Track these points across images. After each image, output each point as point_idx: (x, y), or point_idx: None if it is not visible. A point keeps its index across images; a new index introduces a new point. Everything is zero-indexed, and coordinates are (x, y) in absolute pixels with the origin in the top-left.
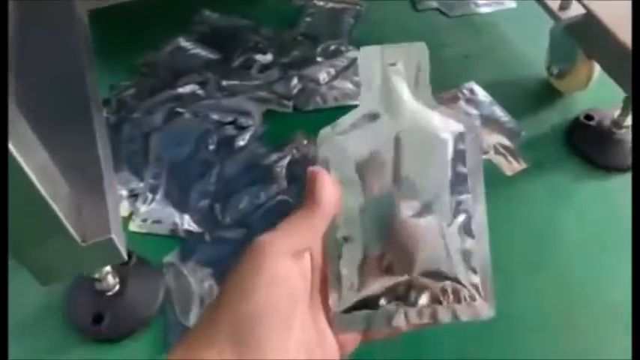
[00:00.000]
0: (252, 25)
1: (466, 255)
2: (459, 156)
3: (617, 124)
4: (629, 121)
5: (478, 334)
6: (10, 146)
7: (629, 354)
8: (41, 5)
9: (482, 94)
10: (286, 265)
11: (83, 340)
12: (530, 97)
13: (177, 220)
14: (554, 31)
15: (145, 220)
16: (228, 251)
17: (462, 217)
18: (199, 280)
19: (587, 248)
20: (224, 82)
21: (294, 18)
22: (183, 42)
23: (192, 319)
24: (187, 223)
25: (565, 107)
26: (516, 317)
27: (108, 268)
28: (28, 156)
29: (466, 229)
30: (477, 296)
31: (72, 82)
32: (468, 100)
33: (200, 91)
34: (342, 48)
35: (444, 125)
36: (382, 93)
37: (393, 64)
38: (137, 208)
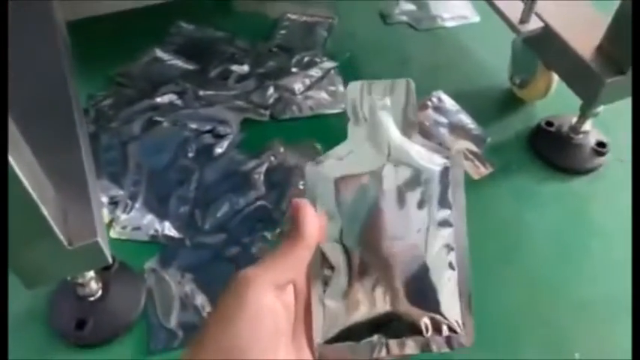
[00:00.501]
0: (228, 36)
1: (448, 286)
2: (444, 189)
3: (574, 129)
4: (586, 126)
5: None
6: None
7: (592, 346)
8: (21, 14)
9: (449, 103)
10: (270, 298)
11: (66, 346)
12: (494, 106)
13: (158, 226)
14: (516, 43)
15: (124, 227)
16: (208, 256)
17: (444, 250)
18: (180, 285)
19: (551, 245)
20: (201, 92)
21: (269, 30)
22: (159, 53)
23: (174, 322)
24: (167, 229)
25: (527, 115)
26: (485, 311)
27: (91, 274)
28: (19, 159)
29: (449, 261)
30: (458, 329)
31: (54, 88)
32: (436, 108)
33: (178, 101)
34: (316, 59)
35: (430, 159)
36: (369, 127)
37: (380, 99)
38: (117, 216)
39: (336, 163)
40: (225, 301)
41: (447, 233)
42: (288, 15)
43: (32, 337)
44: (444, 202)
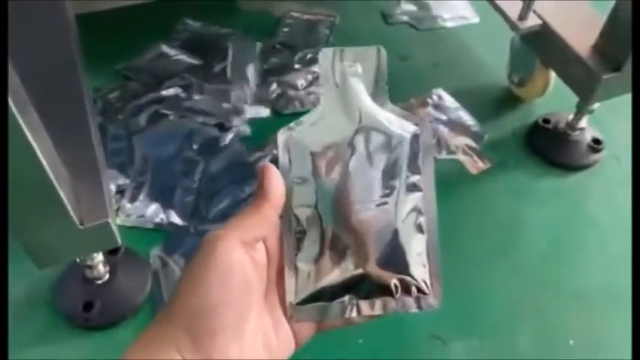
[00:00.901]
0: (233, 33)
1: (417, 249)
2: (414, 155)
3: (571, 126)
4: (582, 123)
5: (448, 314)
6: (25, 129)
7: (586, 334)
8: (33, 7)
9: (449, 100)
10: (239, 253)
11: (72, 328)
12: (493, 103)
13: (162, 215)
14: (514, 42)
15: (129, 215)
16: None
17: (413, 214)
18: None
19: (547, 238)
20: (206, 86)
21: (272, 28)
22: (165, 48)
23: None
24: (172, 217)
25: (525, 112)
26: (483, 300)
27: (100, 257)
28: (38, 140)
29: (417, 225)
30: (426, 289)
31: (66, 77)
32: (436, 106)
33: (183, 94)
34: (319, 56)
35: (400, 125)
36: (341, 93)
37: (352, 66)
38: (123, 205)
39: (308, 129)
40: (194, 261)
41: (416, 197)
42: (292, 13)
43: (37, 321)
44: (413, 168)
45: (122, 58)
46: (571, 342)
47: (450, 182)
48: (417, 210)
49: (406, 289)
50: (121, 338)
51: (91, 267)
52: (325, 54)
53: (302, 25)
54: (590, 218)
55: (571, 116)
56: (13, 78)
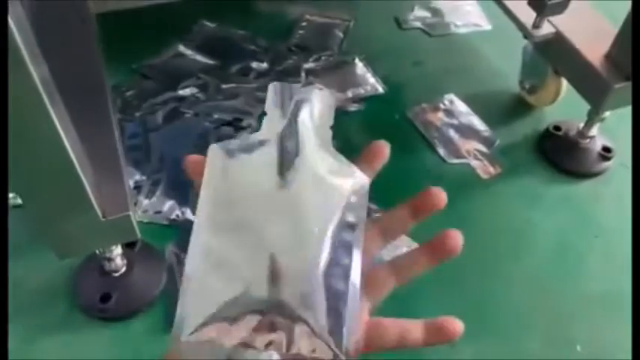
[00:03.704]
0: (248, 35)
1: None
2: (350, 207)
3: (582, 134)
4: (593, 131)
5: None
6: (55, 120)
7: (593, 340)
8: (56, 5)
9: (461, 106)
10: None
11: (89, 320)
12: (504, 110)
13: (178, 211)
14: (527, 50)
15: (146, 211)
16: None
17: (338, 265)
18: None
19: (556, 244)
20: (223, 85)
21: (288, 30)
22: (182, 48)
23: None
24: (188, 214)
25: (536, 119)
26: (493, 304)
27: (119, 250)
28: (66, 132)
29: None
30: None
31: (88, 74)
32: (448, 111)
33: (200, 94)
34: (332, 59)
35: (340, 175)
36: (284, 128)
37: (299, 105)
38: (140, 201)
39: (239, 153)
40: None
41: (343, 254)
42: (307, 16)
43: (56, 311)
44: (346, 221)
45: (140, 57)
46: (578, 347)
47: (461, 187)
48: (342, 266)
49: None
50: (137, 330)
51: (109, 259)
52: (276, 86)
53: (317, 28)
54: (599, 225)
55: (582, 124)
56: (44, 70)
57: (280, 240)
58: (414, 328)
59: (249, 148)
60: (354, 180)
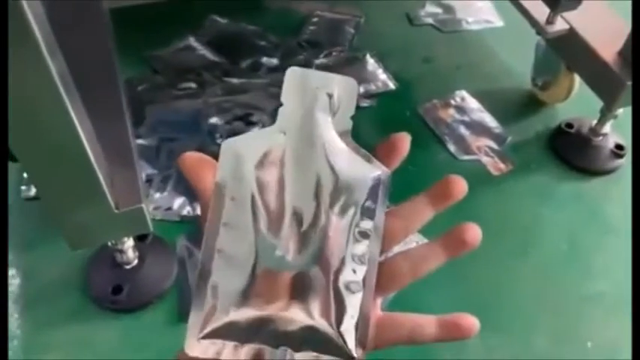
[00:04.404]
0: (259, 31)
1: (342, 308)
2: (371, 199)
3: (594, 131)
4: (605, 129)
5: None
6: (71, 113)
7: (604, 337)
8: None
9: (472, 102)
10: None
11: (101, 311)
12: (516, 107)
13: (189, 207)
14: (539, 46)
15: (157, 208)
16: None
17: (353, 262)
18: None
19: (567, 241)
20: (235, 80)
21: (298, 26)
22: (193, 41)
23: None
24: (198, 210)
25: (548, 116)
26: (502, 300)
27: (130, 242)
28: (82, 125)
29: (351, 285)
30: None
31: (102, 68)
32: (459, 107)
33: (209, 89)
34: (343, 55)
35: (361, 166)
36: (303, 120)
37: (324, 93)
38: (151, 194)
39: (257, 151)
40: None
41: (362, 247)
42: (318, 12)
43: (68, 302)
44: (367, 213)
45: (152, 50)
46: (589, 344)
47: (472, 183)
48: (360, 260)
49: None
50: (148, 321)
51: (121, 251)
52: (293, 72)
53: (327, 24)
54: (610, 223)
55: (594, 121)
56: (61, 64)
57: (291, 244)
58: (426, 323)
59: (264, 143)
60: (373, 172)
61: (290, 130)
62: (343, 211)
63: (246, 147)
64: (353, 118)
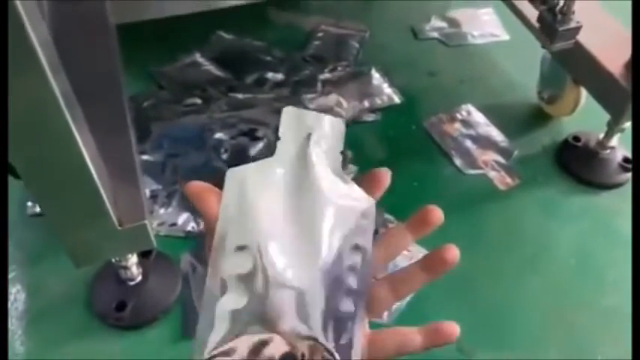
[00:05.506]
0: (265, 46)
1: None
2: (359, 230)
3: (601, 145)
4: (612, 142)
5: (475, 328)
6: (74, 131)
7: (614, 351)
8: (78, 15)
9: (478, 116)
10: None
11: (105, 328)
12: (522, 120)
13: (193, 223)
14: (545, 59)
15: (162, 224)
16: None
17: (345, 287)
18: None
19: (576, 255)
20: (240, 95)
21: (303, 41)
22: (199, 57)
23: None
24: (203, 226)
25: (554, 130)
26: (510, 315)
27: (134, 258)
28: (84, 142)
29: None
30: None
31: (107, 83)
32: (465, 121)
33: (216, 103)
34: (349, 70)
35: (349, 197)
36: (297, 152)
37: (311, 131)
38: (156, 210)
39: (259, 182)
40: None
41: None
42: (322, 27)
43: (71, 318)
44: (357, 242)
45: (158, 66)
46: (599, 358)
47: (479, 198)
48: (350, 289)
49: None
50: (151, 338)
51: (125, 268)
52: (288, 112)
53: (333, 38)
54: (619, 236)
55: (602, 135)
56: (64, 81)
57: (292, 263)
58: (412, 334)
59: (264, 173)
60: (361, 204)
61: (286, 163)
62: (337, 241)
63: (249, 176)
64: (342, 153)
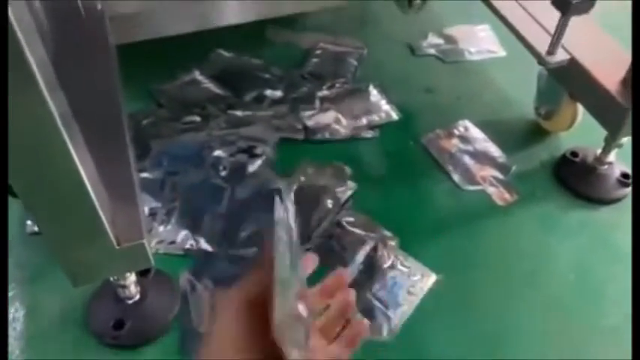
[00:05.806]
0: (263, 64)
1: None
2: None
3: (599, 160)
4: (610, 157)
5: (474, 343)
6: (72, 152)
7: None
8: (78, 35)
9: (475, 132)
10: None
11: (102, 347)
12: (520, 136)
13: (192, 241)
14: (541, 75)
15: (161, 242)
16: (240, 268)
17: None
18: (212, 294)
19: (575, 271)
20: (239, 113)
21: (302, 59)
22: (198, 75)
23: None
24: (202, 244)
25: (552, 145)
26: (509, 331)
27: (133, 277)
28: (83, 163)
29: None
30: None
31: (106, 101)
32: (463, 137)
33: (213, 122)
34: (347, 87)
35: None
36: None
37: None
38: (155, 228)
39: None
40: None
41: None
42: (321, 44)
43: (69, 337)
44: None
45: (155, 84)
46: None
47: (477, 214)
48: None
49: None
50: (149, 356)
51: (123, 286)
52: (277, 201)
53: (331, 56)
54: (618, 252)
55: (599, 150)
56: (62, 101)
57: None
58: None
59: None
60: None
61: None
62: None
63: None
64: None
